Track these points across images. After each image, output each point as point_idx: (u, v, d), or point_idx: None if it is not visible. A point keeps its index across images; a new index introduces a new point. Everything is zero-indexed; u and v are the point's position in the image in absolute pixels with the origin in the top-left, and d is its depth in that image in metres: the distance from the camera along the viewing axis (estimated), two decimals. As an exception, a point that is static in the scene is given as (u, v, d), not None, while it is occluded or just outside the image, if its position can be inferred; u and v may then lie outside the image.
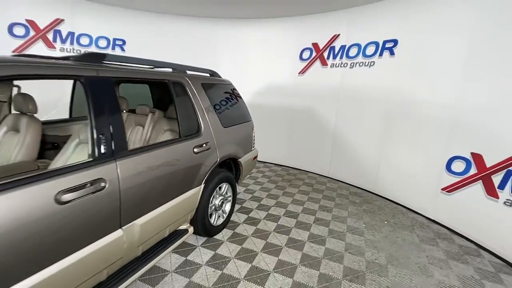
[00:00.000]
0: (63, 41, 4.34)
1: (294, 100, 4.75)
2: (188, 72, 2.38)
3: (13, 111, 2.05)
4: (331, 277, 2.12)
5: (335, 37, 4.20)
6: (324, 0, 3.82)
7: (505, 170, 2.46)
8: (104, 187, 1.35)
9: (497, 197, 2.52)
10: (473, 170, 2.74)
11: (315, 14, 4.36)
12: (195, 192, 2.13)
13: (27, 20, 3.98)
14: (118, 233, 1.46)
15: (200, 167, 2.15)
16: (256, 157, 3.26)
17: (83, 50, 4.53)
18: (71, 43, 4.42)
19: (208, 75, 2.71)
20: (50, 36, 4.20)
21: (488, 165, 2.60)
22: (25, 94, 1.90)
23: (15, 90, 2.19)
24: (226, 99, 2.73)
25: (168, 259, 2.20)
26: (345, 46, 4.10)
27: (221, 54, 4.98)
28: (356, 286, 2.03)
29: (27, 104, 1.85)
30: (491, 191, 2.58)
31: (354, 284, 2.05)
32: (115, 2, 4.49)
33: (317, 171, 4.71)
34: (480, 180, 2.67)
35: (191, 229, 2.23)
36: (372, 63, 3.79)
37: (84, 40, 4.52)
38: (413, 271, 2.25)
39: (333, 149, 4.43)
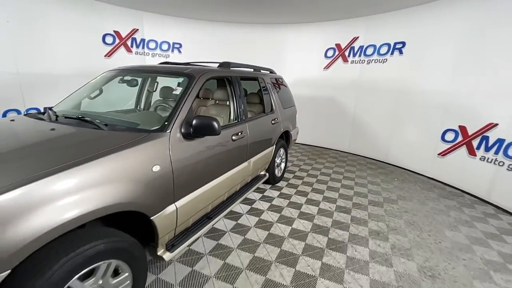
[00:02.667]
0: (137, 46, 5.49)
1: (319, 90, 5.83)
2: (261, 70, 3.49)
3: (157, 98, 3.19)
4: (361, 205, 3.25)
5: (355, 39, 5.23)
6: (346, 9, 4.83)
7: (481, 136, 3.52)
8: (244, 135, 2.49)
9: (475, 155, 3.60)
10: (459, 138, 3.81)
11: (338, 20, 5.38)
12: (271, 150, 3.27)
13: (114, 31, 5.14)
14: (245, 164, 2.62)
15: (274, 134, 3.28)
16: (297, 132, 4.38)
17: (151, 53, 5.68)
18: (142, 47, 5.57)
19: (269, 72, 3.81)
20: (129, 42, 5.35)
21: (469, 133, 3.66)
22: (168, 87, 3.04)
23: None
24: (282, 89, 3.84)
25: (252, 195, 3.36)
26: (363, 46, 5.14)
27: (260, 54, 6.03)
28: (378, 208, 3.16)
29: (170, 92, 2.99)
30: (471, 152, 3.65)
31: (376, 207, 3.19)
32: (175, 13, 5.59)
33: (338, 148, 5.82)
34: (464, 145, 3.74)
35: (267, 174, 3.38)
36: (385, 60, 4.83)
37: (152, 45, 5.66)
38: (415, 203, 3.37)
39: (352, 130, 5.52)
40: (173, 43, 5.88)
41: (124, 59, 5.33)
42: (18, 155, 1.29)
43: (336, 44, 5.50)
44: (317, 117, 5.97)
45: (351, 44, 5.31)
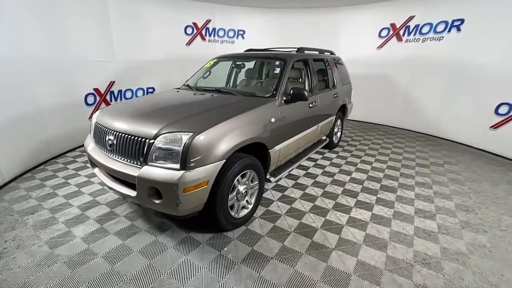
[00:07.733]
0: (209, 35, 6.47)
1: (371, 69, 6.21)
2: (325, 53, 4.16)
3: (243, 77, 4.07)
4: (409, 166, 3.84)
5: (411, 18, 5.46)
6: (404, -10, 5.09)
7: (534, 108, 3.76)
8: (316, 105, 3.27)
9: (527, 126, 3.86)
10: (513, 111, 4.06)
11: (393, 0, 5.62)
12: (331, 119, 4.00)
13: (193, 23, 6.17)
14: (315, 126, 3.42)
15: (335, 106, 3.99)
16: (352, 107, 4.99)
17: (220, 40, 6.63)
18: (214, 36, 6.53)
19: (329, 53, 4.44)
20: (203, 32, 6.35)
21: (523, 106, 3.90)
22: (252, 68, 3.91)
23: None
24: (340, 68, 4.46)
25: (314, 156, 4.16)
26: (419, 25, 5.36)
27: (316, 35, 6.56)
28: (424, 169, 3.73)
29: (254, 73, 3.85)
30: (524, 123, 3.91)
31: (423, 168, 3.76)
32: (240, 3, 6.38)
33: (388, 124, 6.24)
34: (518, 117, 4.00)
35: (327, 139, 4.15)
36: (441, 38, 5.04)
37: (221, 33, 6.59)
38: (460, 166, 3.84)
39: (403, 105, 5.87)
40: (238, 30, 6.73)
41: (200, 46, 6.37)
42: (208, 108, 2.28)
43: (391, 24, 5.77)
44: (368, 94, 6.38)
45: (406, 23, 5.55)
